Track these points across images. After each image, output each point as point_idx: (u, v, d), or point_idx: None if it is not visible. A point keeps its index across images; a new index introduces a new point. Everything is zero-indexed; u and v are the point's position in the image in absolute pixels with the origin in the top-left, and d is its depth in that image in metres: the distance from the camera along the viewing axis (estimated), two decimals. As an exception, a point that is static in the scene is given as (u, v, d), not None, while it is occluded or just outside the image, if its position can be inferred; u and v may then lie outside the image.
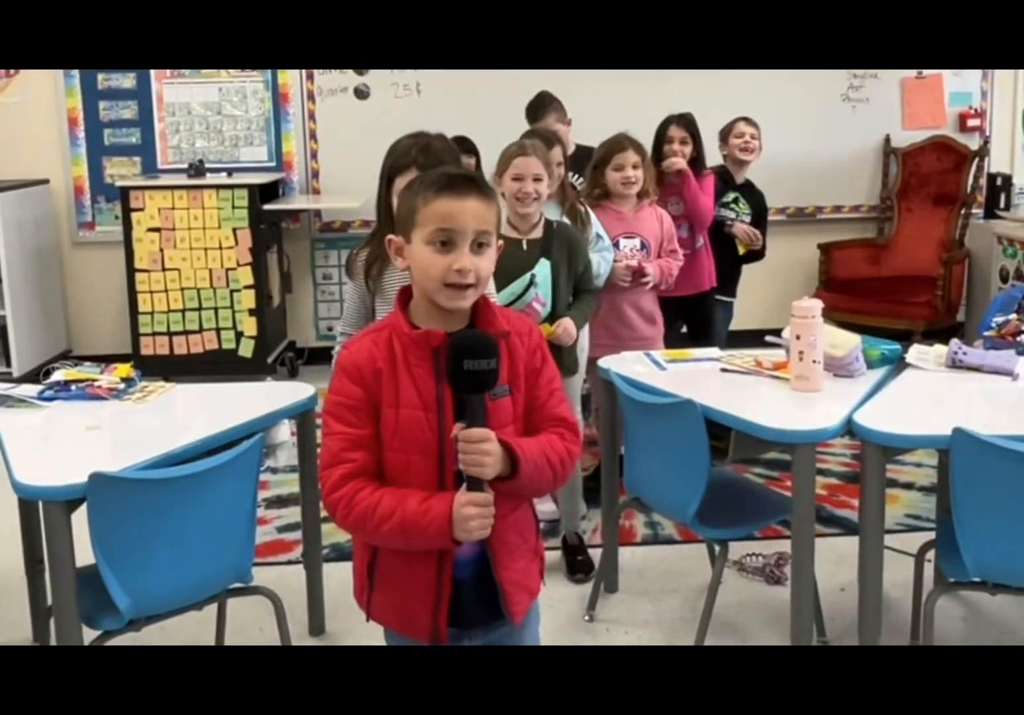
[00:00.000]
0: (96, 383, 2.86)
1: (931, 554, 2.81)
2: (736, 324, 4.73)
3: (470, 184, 1.75)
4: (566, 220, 3.55)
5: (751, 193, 4.65)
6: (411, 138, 2.69)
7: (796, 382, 2.78)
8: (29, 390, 2.88)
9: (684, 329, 4.51)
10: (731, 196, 4.58)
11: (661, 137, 4.34)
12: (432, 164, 2.46)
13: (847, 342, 2.89)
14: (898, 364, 3.00)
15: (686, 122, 4.34)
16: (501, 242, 1.83)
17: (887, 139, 6.14)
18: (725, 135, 4.62)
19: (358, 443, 1.75)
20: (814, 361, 2.75)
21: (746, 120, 4.60)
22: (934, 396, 2.81)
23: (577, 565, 3.41)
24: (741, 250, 4.57)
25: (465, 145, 4.71)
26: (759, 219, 4.64)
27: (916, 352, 3.06)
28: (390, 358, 1.76)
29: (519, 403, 1.81)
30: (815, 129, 6.02)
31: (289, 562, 3.47)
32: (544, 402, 1.84)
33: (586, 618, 3.13)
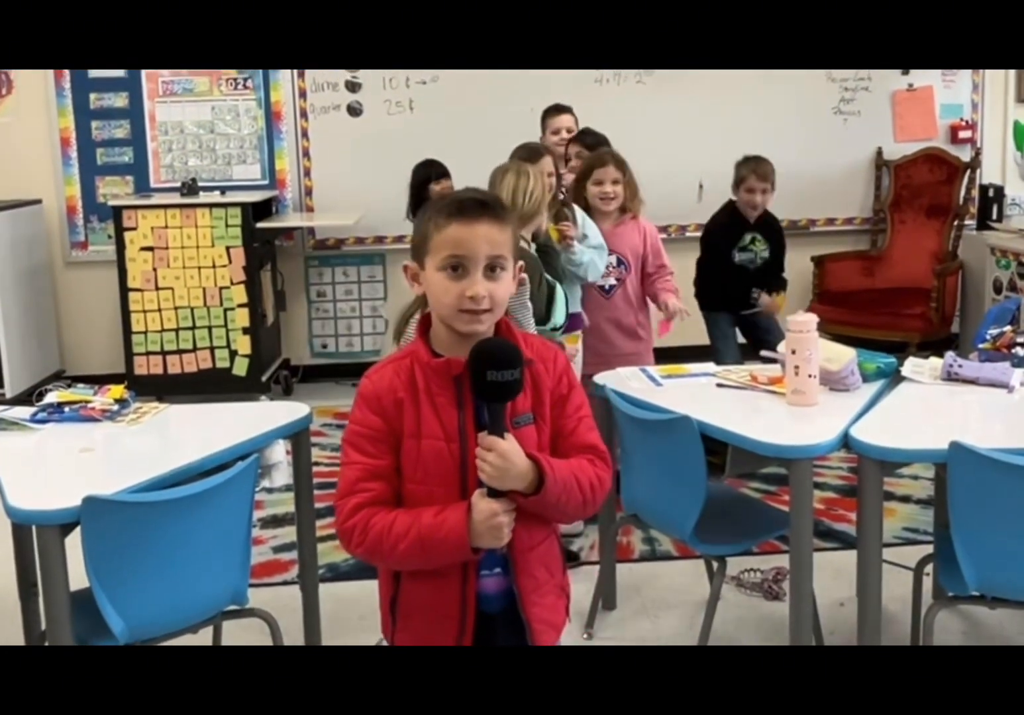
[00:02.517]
0: (89, 405, 2.85)
1: (929, 567, 2.80)
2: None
3: (482, 208, 1.71)
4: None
5: (768, 229, 4.56)
6: None
7: (792, 397, 2.78)
8: (22, 412, 2.86)
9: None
10: (747, 238, 4.51)
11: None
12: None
13: (842, 356, 2.89)
14: (894, 377, 3.00)
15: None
16: (521, 263, 1.80)
17: (879, 152, 6.16)
18: (737, 183, 4.49)
19: (375, 473, 1.73)
20: (810, 375, 2.75)
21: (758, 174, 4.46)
22: (930, 409, 2.80)
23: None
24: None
25: (438, 168, 4.67)
26: (778, 253, 4.59)
27: (911, 365, 3.06)
28: (411, 387, 1.73)
29: (544, 432, 1.77)
30: (807, 142, 6.03)
31: (285, 583, 3.45)
32: (572, 430, 1.79)
33: (584, 636, 3.11)
